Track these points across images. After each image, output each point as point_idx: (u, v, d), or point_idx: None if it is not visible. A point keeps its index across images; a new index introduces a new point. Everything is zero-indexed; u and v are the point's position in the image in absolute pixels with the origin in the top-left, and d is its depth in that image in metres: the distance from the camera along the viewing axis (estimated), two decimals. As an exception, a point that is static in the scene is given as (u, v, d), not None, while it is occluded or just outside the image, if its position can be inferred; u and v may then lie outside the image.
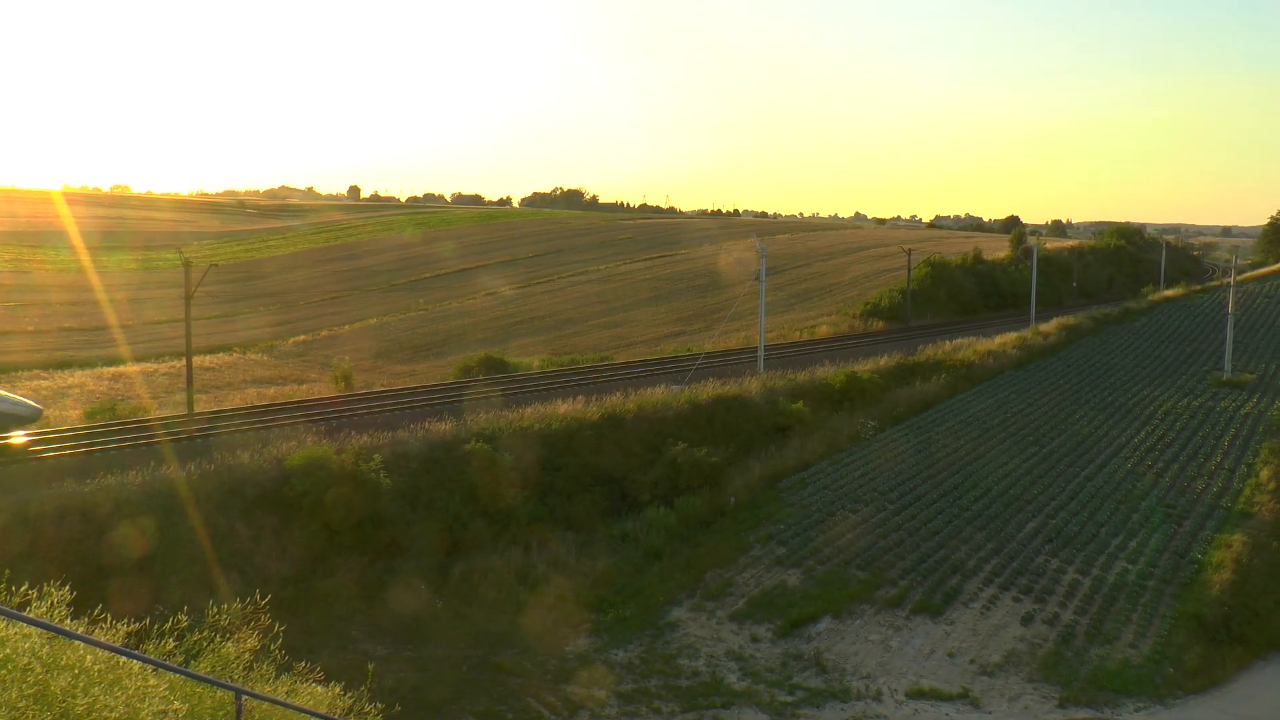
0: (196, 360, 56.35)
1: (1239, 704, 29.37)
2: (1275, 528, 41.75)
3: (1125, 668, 30.42)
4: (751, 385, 54.76)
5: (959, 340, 75.37)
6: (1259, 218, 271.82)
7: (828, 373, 59.60)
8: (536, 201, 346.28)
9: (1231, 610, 33.83)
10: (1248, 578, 36.30)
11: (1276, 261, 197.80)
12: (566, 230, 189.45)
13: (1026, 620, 32.84)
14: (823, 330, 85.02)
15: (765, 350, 63.33)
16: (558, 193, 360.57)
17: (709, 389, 52.90)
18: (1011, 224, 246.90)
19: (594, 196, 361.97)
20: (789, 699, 28.57)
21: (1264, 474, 48.20)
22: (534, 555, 38.31)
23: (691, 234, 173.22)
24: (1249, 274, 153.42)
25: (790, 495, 44.12)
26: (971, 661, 30.58)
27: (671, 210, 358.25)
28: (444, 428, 43.30)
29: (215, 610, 11.47)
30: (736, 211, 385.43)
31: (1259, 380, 70.22)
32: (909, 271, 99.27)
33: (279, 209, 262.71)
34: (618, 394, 50.61)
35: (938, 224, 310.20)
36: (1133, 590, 35.17)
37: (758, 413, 52.17)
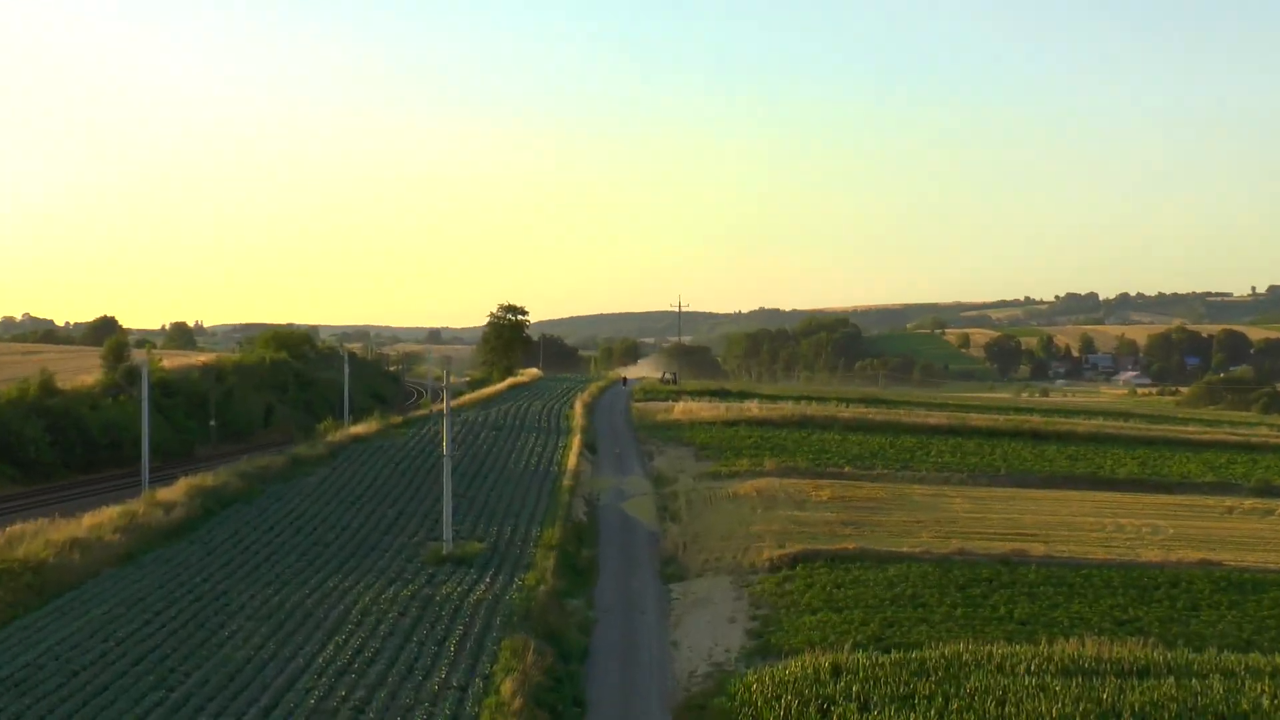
0: None
1: None
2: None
3: None
4: None
5: (22, 526, 54.22)
6: (477, 318, 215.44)
7: None
8: None
9: None
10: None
11: (504, 375, 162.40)
12: None
13: None
14: None
15: None
16: None
17: None
18: (105, 330, 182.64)
19: None
20: None
21: (506, 688, 34.54)
22: None
23: None
24: (469, 396, 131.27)
25: None
26: None
27: None
28: None
29: None
30: None
31: (492, 548, 55.84)
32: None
33: None
34: None
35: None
36: None
37: None
